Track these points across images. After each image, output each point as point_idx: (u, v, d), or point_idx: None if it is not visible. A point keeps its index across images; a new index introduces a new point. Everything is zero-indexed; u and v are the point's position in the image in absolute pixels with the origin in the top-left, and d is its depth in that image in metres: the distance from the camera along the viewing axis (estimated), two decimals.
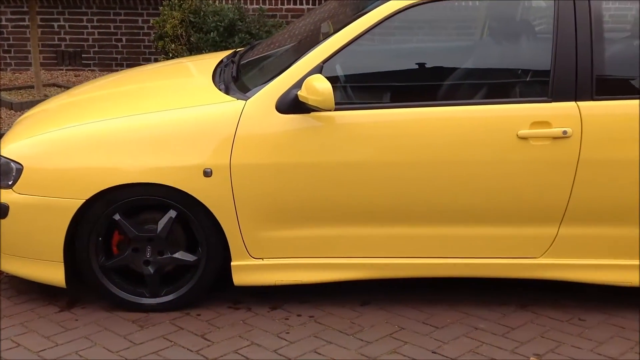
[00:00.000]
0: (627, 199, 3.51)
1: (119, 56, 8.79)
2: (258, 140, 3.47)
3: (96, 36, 8.77)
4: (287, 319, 3.61)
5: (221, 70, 4.10)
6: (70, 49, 8.75)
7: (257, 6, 8.10)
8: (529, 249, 3.63)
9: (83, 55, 8.79)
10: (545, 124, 3.44)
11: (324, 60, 3.48)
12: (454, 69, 3.74)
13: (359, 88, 3.74)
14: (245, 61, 4.18)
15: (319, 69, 3.44)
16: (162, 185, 3.46)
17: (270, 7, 8.45)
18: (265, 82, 3.55)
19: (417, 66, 3.87)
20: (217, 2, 7.84)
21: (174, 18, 7.30)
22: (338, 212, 3.54)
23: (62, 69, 8.74)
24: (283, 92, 3.47)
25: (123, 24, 8.72)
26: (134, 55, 8.72)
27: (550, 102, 3.47)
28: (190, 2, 7.38)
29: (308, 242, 3.59)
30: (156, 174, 3.45)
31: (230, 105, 3.53)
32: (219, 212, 3.50)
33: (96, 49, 8.77)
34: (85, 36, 8.78)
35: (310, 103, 3.34)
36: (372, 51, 3.87)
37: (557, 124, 3.45)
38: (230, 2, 7.97)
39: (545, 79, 3.49)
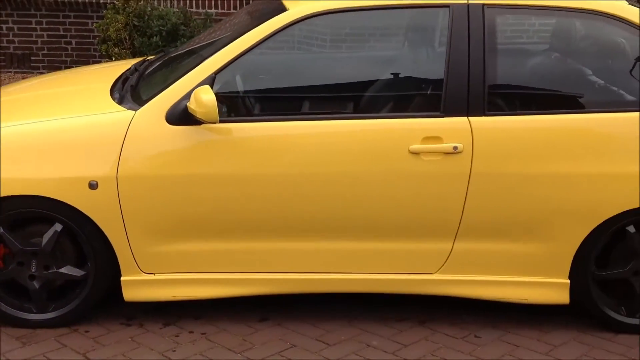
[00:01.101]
0: (520, 215, 3.46)
1: (68, 59, 8.69)
2: (147, 152, 3.40)
3: (45, 39, 8.67)
4: (178, 335, 3.54)
5: (124, 78, 4.02)
6: (19, 52, 8.64)
7: (203, 10, 8.03)
8: (425, 265, 3.57)
9: (32, 58, 8.69)
10: (436, 139, 3.39)
11: (215, 71, 3.41)
12: (348, 82, 3.68)
13: (254, 100, 3.67)
14: (150, 70, 4.11)
15: (210, 80, 3.38)
16: (46, 197, 3.38)
17: (222, 11, 8.37)
18: (157, 93, 3.48)
19: (311, 79, 3.80)
20: (162, 6, 7.76)
21: (117, 22, 7.22)
22: (230, 226, 3.47)
23: (10, 72, 8.64)
24: (173, 103, 3.40)
25: (73, 27, 8.62)
26: (84, 58, 8.62)
27: (442, 117, 3.41)
28: (135, 5, 7.31)
29: (201, 257, 3.52)
30: (39, 185, 3.38)
31: (118, 115, 3.45)
32: (106, 226, 3.43)
33: (45, 52, 8.67)
34: (34, 38, 8.68)
35: (197, 115, 3.28)
36: (271, 62, 3.80)
37: (449, 139, 3.39)
38: (176, 6, 7.89)
39: (438, 94, 3.43)
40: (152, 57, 4.64)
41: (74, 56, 8.68)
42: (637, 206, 3.43)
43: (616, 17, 3.46)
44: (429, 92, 3.54)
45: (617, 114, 3.43)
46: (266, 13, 3.59)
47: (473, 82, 3.40)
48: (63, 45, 8.66)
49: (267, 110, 3.68)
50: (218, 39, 3.80)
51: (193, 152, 3.39)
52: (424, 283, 3.60)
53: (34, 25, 8.66)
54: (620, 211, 3.43)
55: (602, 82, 3.58)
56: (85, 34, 8.62)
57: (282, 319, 3.70)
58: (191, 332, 3.57)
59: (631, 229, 3.51)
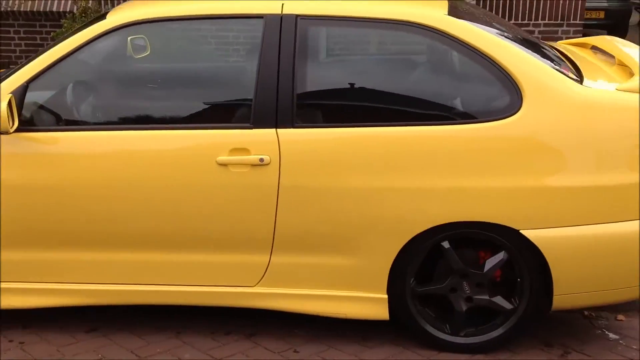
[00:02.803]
0: (331, 229, 3.39)
1: None
2: None
3: (23, 47, 8.91)
4: None
5: None
6: None
7: None
8: (244, 278, 3.54)
9: (11, 66, 8.91)
10: (244, 150, 3.36)
11: (28, 79, 3.44)
12: (165, 92, 3.68)
13: (70, 109, 3.65)
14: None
15: (23, 89, 3.41)
16: None
17: None
18: None
19: (129, 88, 3.79)
20: None
21: (73, 29, 7.35)
22: (48, 236, 3.50)
23: None
24: None
25: (48, 36, 8.82)
26: None
27: (251, 128, 3.38)
28: (92, 14, 7.43)
29: (22, 266, 3.56)
30: None
31: None
32: None
33: (24, 60, 8.86)
34: (12, 47, 8.93)
35: None
36: (98, 71, 3.79)
37: (256, 151, 3.36)
38: None
39: (249, 105, 3.40)
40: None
41: None
42: (448, 221, 3.32)
43: (430, 28, 3.36)
44: (240, 104, 3.50)
45: (431, 127, 3.33)
46: (90, 21, 3.62)
47: (282, 94, 3.36)
48: None
49: (80, 120, 3.66)
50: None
51: (7, 160, 3.42)
52: (245, 296, 3.56)
53: (12, 35, 8.90)
54: (430, 226, 3.33)
55: (418, 94, 3.48)
56: None
57: (111, 330, 3.71)
58: (11, 340, 3.61)
59: (446, 244, 3.41)
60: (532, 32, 7.68)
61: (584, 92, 3.31)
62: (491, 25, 3.59)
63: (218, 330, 3.73)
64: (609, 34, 8.91)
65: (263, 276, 3.52)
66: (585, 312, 3.95)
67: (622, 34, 10.95)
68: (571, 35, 7.62)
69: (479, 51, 3.33)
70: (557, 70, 3.37)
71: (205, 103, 3.58)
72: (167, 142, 3.41)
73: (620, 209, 3.29)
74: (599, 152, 3.27)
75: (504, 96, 3.31)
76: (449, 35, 3.35)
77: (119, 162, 3.40)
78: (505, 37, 3.48)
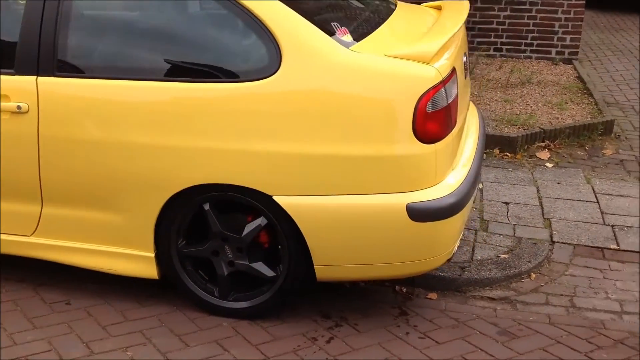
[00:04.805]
0: (92, 183, 3.31)
1: None
2: None
3: None
4: None
5: None
6: None
7: None
8: (21, 227, 3.51)
9: None
10: (5, 97, 3.28)
11: None
12: None
13: None
14: None
15: None
16: None
17: None
18: None
19: None
20: None
21: None
22: None
23: None
24: None
25: None
26: None
27: (13, 74, 3.29)
28: None
29: None
30: None
31: None
32: None
33: None
34: None
35: None
36: None
37: (16, 98, 3.28)
38: None
39: (14, 50, 3.31)
40: None
41: None
42: (202, 182, 3.18)
43: None
44: (7, 48, 3.40)
45: (200, 84, 3.15)
46: None
47: (44, 41, 3.26)
48: None
49: None
50: None
51: None
52: (21, 245, 3.54)
53: None
54: (187, 186, 3.20)
55: (179, 50, 3.29)
56: None
57: None
58: None
59: (206, 206, 3.27)
60: None
61: (345, 56, 3.07)
62: None
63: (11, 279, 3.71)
64: None
65: (37, 226, 3.48)
66: (397, 287, 3.76)
67: None
68: None
69: (243, 7, 3.12)
70: (323, 32, 3.12)
71: None
72: None
73: (377, 181, 3.08)
74: (355, 120, 3.04)
75: (263, 56, 3.10)
76: None
77: None
78: None
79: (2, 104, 3.28)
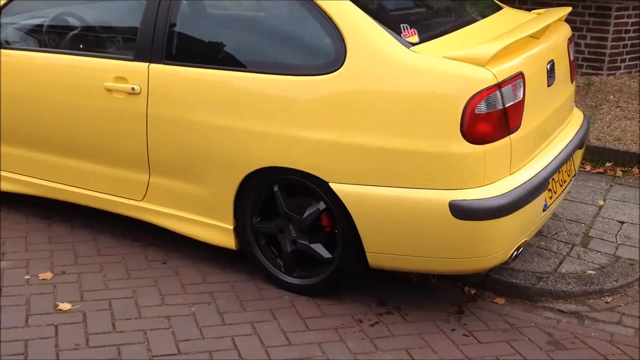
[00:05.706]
0: (185, 157, 3.76)
1: None
2: None
3: None
4: None
5: None
6: None
7: None
8: (133, 192, 4.06)
9: None
10: (123, 79, 3.85)
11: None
12: (73, 25, 4.26)
13: (29, 33, 4.39)
14: None
15: None
16: None
17: None
18: None
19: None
20: None
21: None
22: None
23: None
24: None
25: None
26: None
27: (132, 60, 3.85)
28: None
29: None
30: None
31: None
32: None
33: None
34: None
35: None
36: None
37: (132, 81, 3.82)
38: None
39: (134, 39, 3.87)
40: None
41: None
42: (267, 165, 3.52)
43: None
44: (128, 38, 3.96)
45: (273, 76, 3.50)
46: None
47: (157, 33, 3.77)
48: None
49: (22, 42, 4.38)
50: None
51: None
52: (134, 208, 4.09)
53: None
54: (257, 167, 3.55)
55: (271, 46, 3.65)
56: None
57: None
58: None
59: (276, 187, 3.60)
60: None
61: (404, 55, 3.25)
62: None
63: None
64: None
65: (146, 193, 4.01)
66: (466, 288, 3.84)
67: None
68: None
69: (316, 6, 3.42)
70: (389, 32, 3.32)
71: (103, 35, 4.12)
72: (68, 66, 4.03)
73: (424, 176, 3.22)
74: (408, 116, 3.21)
75: (330, 52, 3.37)
76: None
77: (36, 79, 4.08)
78: None
79: (121, 85, 3.84)
